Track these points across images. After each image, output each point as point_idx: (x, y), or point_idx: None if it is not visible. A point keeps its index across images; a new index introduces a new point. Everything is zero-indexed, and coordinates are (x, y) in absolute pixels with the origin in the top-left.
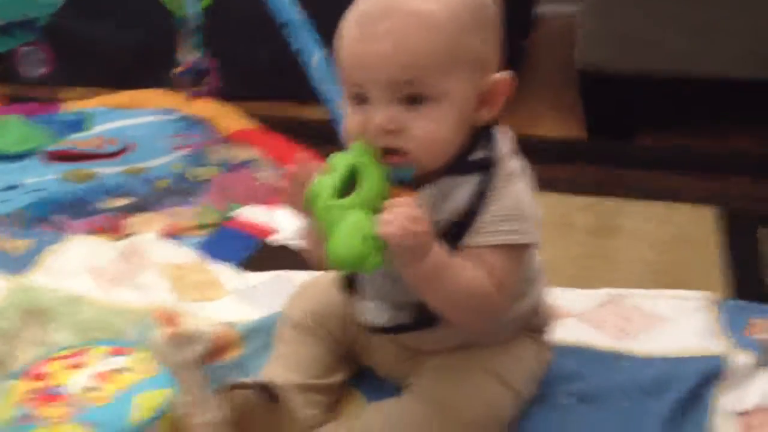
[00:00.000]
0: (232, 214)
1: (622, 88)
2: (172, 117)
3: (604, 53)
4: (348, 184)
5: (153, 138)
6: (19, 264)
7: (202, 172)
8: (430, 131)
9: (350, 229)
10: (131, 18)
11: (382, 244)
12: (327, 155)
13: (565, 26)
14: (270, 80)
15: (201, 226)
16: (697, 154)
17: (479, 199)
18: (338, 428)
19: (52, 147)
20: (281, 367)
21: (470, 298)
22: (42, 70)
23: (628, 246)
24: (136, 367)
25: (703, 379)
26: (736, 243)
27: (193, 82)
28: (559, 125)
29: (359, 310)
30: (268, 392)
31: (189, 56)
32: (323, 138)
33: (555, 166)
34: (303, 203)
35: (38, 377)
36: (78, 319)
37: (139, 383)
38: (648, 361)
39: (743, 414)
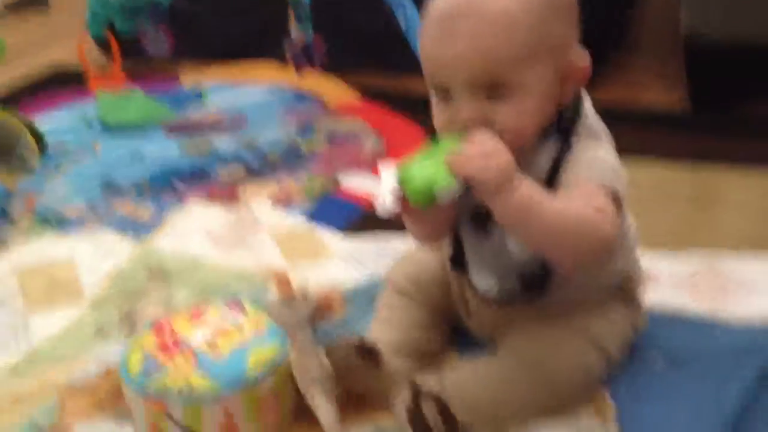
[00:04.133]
0: (338, 182)
1: (728, 56)
2: (282, 91)
3: (710, 20)
4: None
5: (264, 111)
6: (144, 229)
7: (310, 144)
8: (515, 120)
9: (425, 158)
10: None
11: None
12: (428, 125)
13: None
14: (373, 52)
15: (309, 195)
16: None
17: (561, 158)
18: (430, 378)
19: (173, 121)
20: (382, 330)
21: (570, 226)
22: (164, 50)
23: (727, 216)
24: (250, 324)
25: None
26: None
27: (303, 58)
28: (663, 94)
29: (470, 281)
30: (368, 352)
31: (299, 32)
32: (424, 109)
33: (656, 134)
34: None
35: (164, 331)
36: (198, 281)
37: (252, 339)
38: (740, 328)
39: None
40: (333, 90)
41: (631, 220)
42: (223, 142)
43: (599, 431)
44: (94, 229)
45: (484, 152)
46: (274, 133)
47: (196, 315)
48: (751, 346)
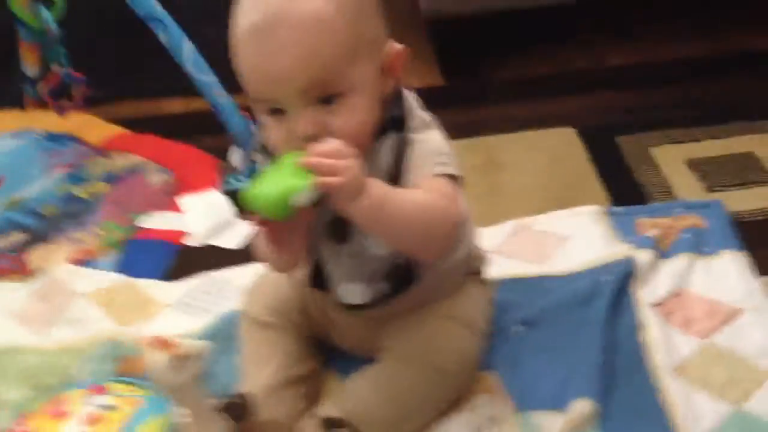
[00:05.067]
0: (138, 225)
1: (467, 26)
2: (34, 137)
3: None
4: None
5: (22, 164)
6: None
7: (88, 189)
8: (351, 122)
9: (270, 174)
10: None
11: (307, 175)
12: (201, 147)
13: None
14: (121, 79)
15: (110, 245)
16: (546, 79)
17: (401, 150)
18: (325, 409)
19: None
20: (256, 369)
21: (423, 215)
22: None
23: (514, 177)
24: (121, 401)
25: (619, 282)
26: (601, 154)
27: (61, 95)
28: (414, 75)
29: (336, 296)
30: (234, 410)
31: (54, 69)
32: (191, 130)
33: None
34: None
35: None
36: (22, 368)
37: (134, 416)
38: (569, 277)
39: (659, 304)
40: (91, 127)
41: (464, 202)
42: None
43: (493, 406)
44: None
45: (333, 154)
46: (41, 184)
47: (55, 410)
48: (586, 291)
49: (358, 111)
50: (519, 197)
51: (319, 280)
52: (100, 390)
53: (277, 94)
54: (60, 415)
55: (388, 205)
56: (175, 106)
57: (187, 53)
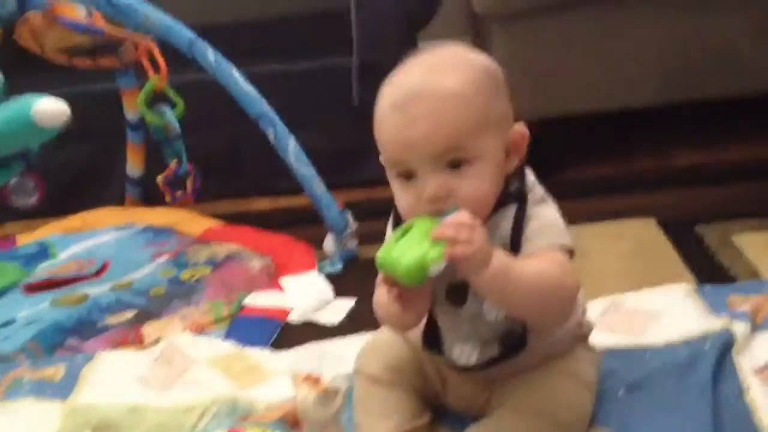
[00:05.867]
0: (244, 303)
1: (548, 130)
2: (135, 230)
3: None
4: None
5: (126, 252)
6: (62, 389)
7: (192, 273)
8: (476, 188)
9: (403, 240)
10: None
11: (440, 245)
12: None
13: None
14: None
15: (218, 320)
16: (619, 177)
17: (520, 222)
18: None
19: (30, 279)
20: (370, 423)
21: (543, 285)
22: (33, 200)
23: (599, 263)
24: None
25: (721, 350)
26: (683, 242)
27: (177, 187)
28: None
29: (447, 356)
30: None
31: (172, 164)
32: (278, 223)
33: None
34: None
35: None
36: (150, 426)
37: None
38: (669, 347)
39: (761, 370)
40: (186, 221)
41: None
42: (96, 290)
43: None
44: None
45: (464, 225)
46: (147, 270)
47: None
48: (687, 358)
49: (482, 179)
50: (606, 280)
51: (433, 340)
52: (238, 431)
53: (412, 158)
54: None
55: (511, 274)
56: (263, 204)
57: (292, 149)
